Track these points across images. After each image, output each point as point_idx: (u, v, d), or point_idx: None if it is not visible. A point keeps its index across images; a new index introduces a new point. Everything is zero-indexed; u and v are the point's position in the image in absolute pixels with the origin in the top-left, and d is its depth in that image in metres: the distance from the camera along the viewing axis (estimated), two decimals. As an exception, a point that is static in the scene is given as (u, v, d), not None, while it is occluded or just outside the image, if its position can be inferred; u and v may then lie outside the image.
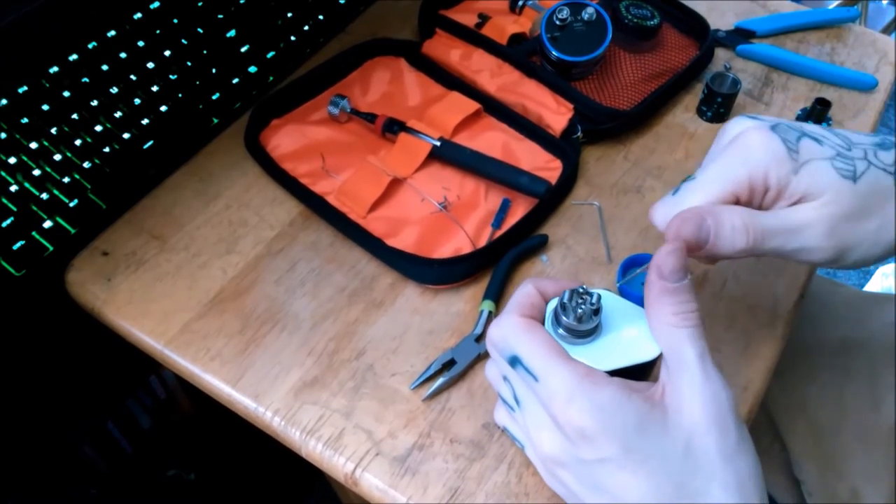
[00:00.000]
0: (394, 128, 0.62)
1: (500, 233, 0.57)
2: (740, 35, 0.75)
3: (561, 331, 0.41)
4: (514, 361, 0.39)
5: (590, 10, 0.65)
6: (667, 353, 0.39)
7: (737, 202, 0.41)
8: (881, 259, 0.42)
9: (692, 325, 0.38)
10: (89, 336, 0.57)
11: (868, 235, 0.41)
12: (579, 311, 0.40)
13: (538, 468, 0.43)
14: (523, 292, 0.42)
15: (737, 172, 0.41)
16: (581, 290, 0.41)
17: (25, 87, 0.59)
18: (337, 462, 0.47)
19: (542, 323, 0.41)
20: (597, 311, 0.40)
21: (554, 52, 0.64)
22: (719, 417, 0.37)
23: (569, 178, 0.61)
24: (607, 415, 0.36)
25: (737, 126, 0.43)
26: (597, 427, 0.36)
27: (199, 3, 0.69)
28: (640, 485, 0.36)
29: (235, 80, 0.65)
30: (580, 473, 0.38)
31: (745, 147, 0.41)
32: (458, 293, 0.55)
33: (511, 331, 0.40)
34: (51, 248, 0.55)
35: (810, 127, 0.43)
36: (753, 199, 0.41)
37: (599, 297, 0.41)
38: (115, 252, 0.56)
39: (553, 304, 0.42)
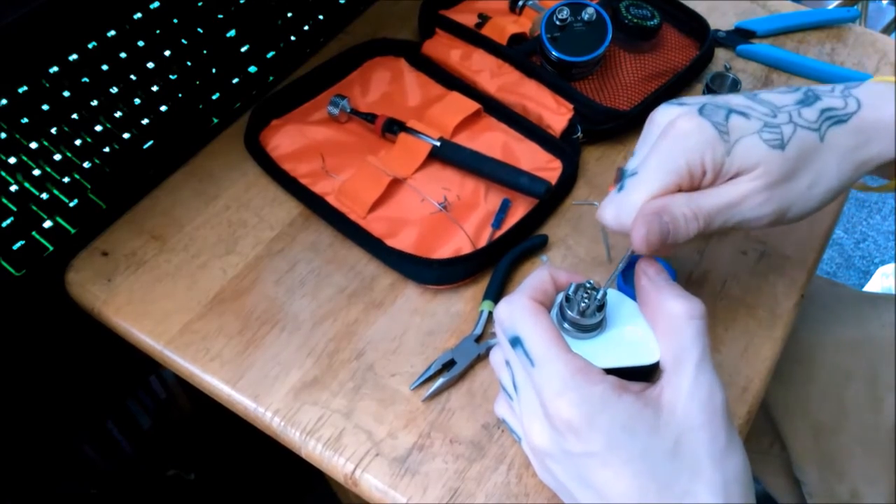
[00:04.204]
0: (394, 128, 0.62)
1: (500, 233, 0.57)
2: (740, 35, 0.75)
3: (566, 325, 0.41)
4: (516, 342, 0.39)
5: (590, 10, 0.65)
6: (671, 347, 0.39)
7: (679, 190, 0.43)
8: (818, 209, 0.45)
9: (700, 315, 0.39)
10: (89, 336, 0.57)
11: (801, 193, 0.44)
12: (582, 304, 0.40)
13: (531, 459, 0.43)
14: (538, 277, 0.42)
15: (676, 163, 0.42)
16: (588, 286, 0.41)
17: (25, 87, 0.59)
18: (337, 462, 0.47)
19: (550, 311, 0.42)
20: (601, 308, 0.40)
21: (554, 53, 0.64)
22: (713, 416, 0.37)
23: (569, 179, 0.61)
24: (595, 410, 0.36)
25: (665, 114, 0.44)
26: (583, 421, 0.36)
27: (199, 3, 0.69)
28: (623, 483, 0.36)
29: (235, 80, 0.65)
30: (567, 465, 0.38)
31: (679, 136, 0.42)
32: (458, 293, 0.55)
33: (518, 311, 0.40)
34: (51, 248, 0.55)
35: (735, 100, 0.44)
36: (692, 184, 0.43)
37: (605, 293, 0.40)
38: (114, 252, 0.56)
39: (559, 297, 0.42)
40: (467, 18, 0.71)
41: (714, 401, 0.37)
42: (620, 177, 0.45)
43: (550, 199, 0.59)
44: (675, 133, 0.43)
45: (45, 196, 0.56)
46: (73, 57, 0.62)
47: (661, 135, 0.43)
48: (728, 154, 0.42)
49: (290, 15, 0.71)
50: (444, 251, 0.57)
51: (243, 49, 0.67)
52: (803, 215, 0.45)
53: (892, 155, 0.44)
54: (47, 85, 0.60)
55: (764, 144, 0.42)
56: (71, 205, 0.56)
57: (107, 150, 0.59)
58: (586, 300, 0.40)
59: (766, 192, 0.43)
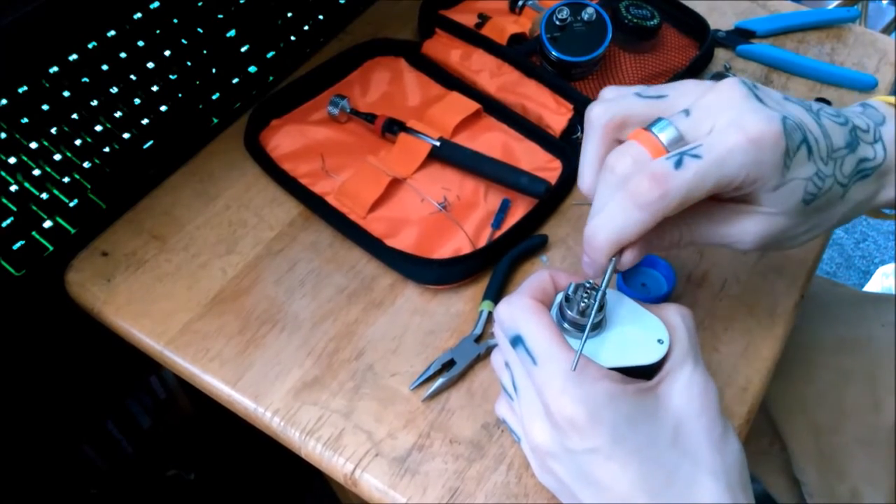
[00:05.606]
0: (393, 128, 0.62)
1: (499, 233, 0.57)
2: (740, 35, 0.75)
3: (566, 324, 0.41)
4: (517, 341, 0.40)
5: (590, 10, 0.65)
6: (673, 343, 0.40)
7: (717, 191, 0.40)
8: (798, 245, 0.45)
9: (689, 314, 0.42)
10: (89, 336, 0.57)
11: (795, 236, 0.43)
12: (582, 304, 0.40)
13: (531, 461, 0.43)
14: (537, 277, 0.42)
15: (737, 173, 0.38)
16: (588, 286, 0.41)
17: (25, 87, 0.59)
18: (336, 463, 0.47)
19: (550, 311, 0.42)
20: (601, 307, 0.40)
21: (554, 53, 0.64)
22: (709, 405, 0.38)
23: (569, 179, 0.61)
24: (598, 406, 0.37)
25: (740, 93, 0.39)
26: (586, 417, 0.36)
27: (199, 3, 0.69)
28: (628, 476, 0.36)
29: (235, 80, 0.65)
30: (569, 464, 0.38)
31: (756, 146, 0.37)
32: (458, 293, 0.55)
33: (519, 310, 0.40)
34: (51, 248, 0.55)
35: (808, 121, 0.40)
36: (721, 191, 0.40)
37: (605, 293, 0.41)
38: (114, 252, 0.56)
39: (559, 296, 0.42)
40: (467, 18, 0.71)
41: (709, 392, 0.39)
42: (653, 124, 0.39)
43: (550, 199, 0.59)
44: (752, 138, 0.37)
45: (45, 196, 0.56)
46: (73, 57, 0.62)
47: (732, 124, 0.38)
48: (775, 190, 0.39)
49: (290, 15, 0.71)
50: (443, 251, 0.57)
51: (243, 49, 0.67)
52: (783, 249, 0.45)
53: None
54: (47, 85, 0.60)
55: (801, 194, 0.40)
56: (71, 205, 0.56)
57: (107, 150, 0.59)
58: (586, 300, 0.40)
59: (763, 237, 0.41)
